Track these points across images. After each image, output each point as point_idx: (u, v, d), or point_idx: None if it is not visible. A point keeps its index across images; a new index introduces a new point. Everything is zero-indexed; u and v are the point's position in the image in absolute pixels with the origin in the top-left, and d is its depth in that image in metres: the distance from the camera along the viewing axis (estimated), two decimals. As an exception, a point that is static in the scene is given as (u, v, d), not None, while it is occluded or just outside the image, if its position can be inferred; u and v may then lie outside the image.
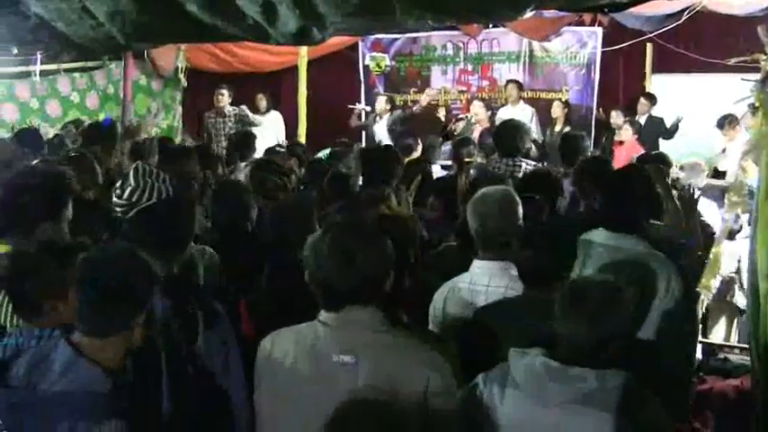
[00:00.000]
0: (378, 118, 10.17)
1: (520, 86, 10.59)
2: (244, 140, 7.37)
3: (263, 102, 11.06)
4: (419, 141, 7.21)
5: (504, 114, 9.68)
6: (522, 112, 9.87)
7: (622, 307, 2.42)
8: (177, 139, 11.80)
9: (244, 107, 10.27)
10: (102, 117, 10.57)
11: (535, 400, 2.38)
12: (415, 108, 10.29)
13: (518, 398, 2.42)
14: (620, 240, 3.28)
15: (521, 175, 5.52)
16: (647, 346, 3.05)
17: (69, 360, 2.18)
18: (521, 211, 3.25)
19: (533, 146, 7.24)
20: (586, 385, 2.30)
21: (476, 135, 8.96)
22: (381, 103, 10.29)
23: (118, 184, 2.72)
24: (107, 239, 3.53)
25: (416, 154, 7.00)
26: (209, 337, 2.64)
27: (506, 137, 5.95)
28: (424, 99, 10.42)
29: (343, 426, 2.14)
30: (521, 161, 5.78)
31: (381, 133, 9.86)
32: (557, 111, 10.18)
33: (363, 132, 10.73)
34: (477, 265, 3.21)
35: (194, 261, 3.26)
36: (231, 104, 10.35)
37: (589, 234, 3.36)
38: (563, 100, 10.60)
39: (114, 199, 2.71)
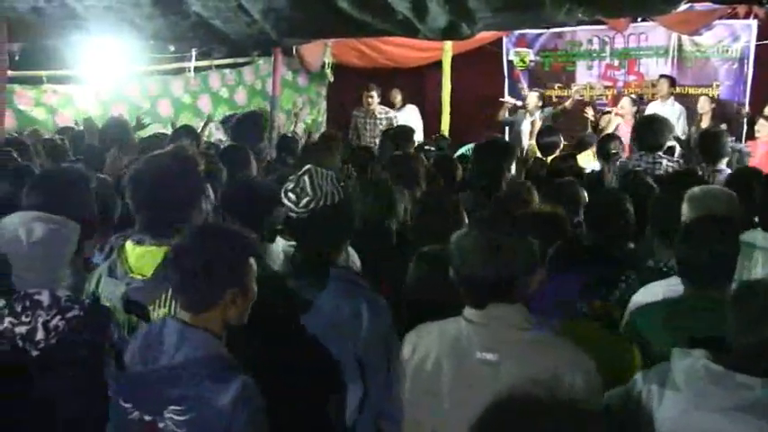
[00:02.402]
0: (527, 114, 10.05)
1: (672, 82, 10.20)
2: (402, 134, 7.32)
3: (398, 96, 11.13)
4: (562, 138, 7.08)
5: (652, 110, 9.38)
6: (671, 109, 9.54)
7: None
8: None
9: (392, 115, 10.31)
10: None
11: (695, 403, 2.29)
12: (567, 103, 10.13)
13: (677, 400, 2.33)
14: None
15: (661, 172, 5.35)
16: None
17: (181, 332, 2.26)
18: None
19: (677, 143, 6.99)
20: (752, 393, 2.20)
21: (621, 131, 8.72)
22: (533, 98, 10.15)
23: (290, 188, 2.76)
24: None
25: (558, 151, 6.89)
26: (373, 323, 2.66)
27: (647, 132, 5.77)
28: (574, 94, 10.24)
29: (492, 425, 2.12)
30: (661, 158, 5.60)
31: (527, 130, 9.75)
32: (704, 106, 9.77)
33: (507, 128, 10.62)
34: None
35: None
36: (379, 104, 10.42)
37: (748, 236, 3.21)
38: (712, 96, 10.19)
39: (288, 203, 2.75)
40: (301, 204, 2.73)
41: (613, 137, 7.02)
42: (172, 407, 2.18)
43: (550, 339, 2.36)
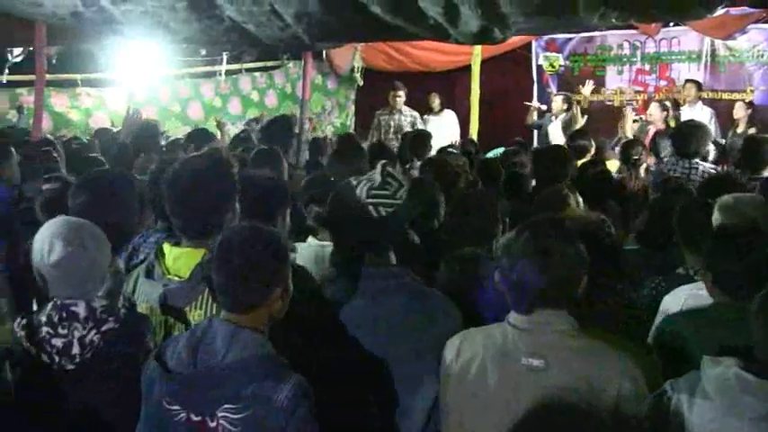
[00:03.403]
0: (553, 117, 10.02)
1: (699, 86, 10.12)
2: (419, 139, 7.40)
3: (436, 101, 11.10)
4: (593, 142, 7.05)
5: (682, 115, 9.32)
6: (700, 113, 9.45)
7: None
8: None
9: (416, 114, 10.32)
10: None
11: (726, 412, 2.28)
12: (583, 103, 10.10)
13: (708, 408, 2.32)
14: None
15: (698, 177, 5.30)
16: None
17: (230, 333, 2.27)
18: None
19: (713, 148, 6.93)
20: (784, 403, 2.19)
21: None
22: (558, 102, 10.11)
23: (377, 184, 2.78)
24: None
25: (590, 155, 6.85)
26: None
27: (685, 138, 5.72)
28: (587, 90, 10.22)
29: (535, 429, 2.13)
30: (698, 164, 5.56)
31: (555, 133, 9.71)
32: (739, 112, 9.66)
33: (536, 132, 10.60)
34: None
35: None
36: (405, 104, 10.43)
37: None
38: (747, 101, 10.08)
39: (382, 200, 2.77)
40: (398, 195, 2.75)
41: (637, 142, 6.95)
42: (226, 405, 2.19)
43: (597, 346, 2.33)
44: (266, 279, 2.33)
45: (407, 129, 9.79)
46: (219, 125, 9.10)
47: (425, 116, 10.79)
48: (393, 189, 2.76)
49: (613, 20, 4.77)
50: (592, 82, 10.57)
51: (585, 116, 9.31)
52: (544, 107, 10.71)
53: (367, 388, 2.62)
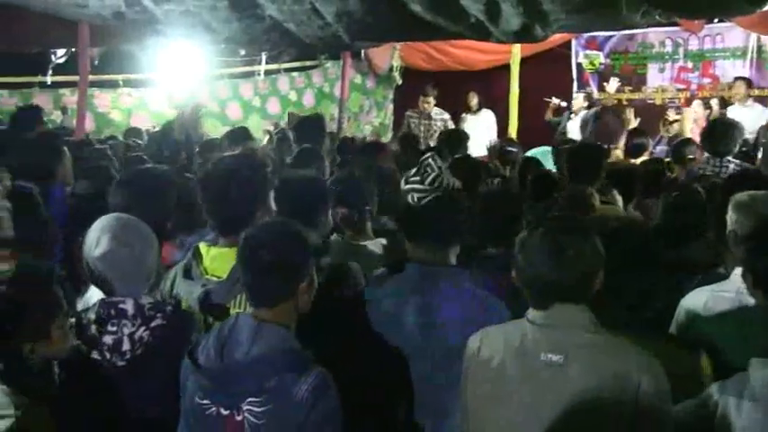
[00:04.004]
0: (572, 115, 9.92)
1: (749, 84, 9.90)
2: (455, 138, 7.35)
3: (474, 100, 11.03)
4: (650, 141, 6.96)
5: (732, 114, 9.12)
6: (751, 111, 9.25)
7: None
8: (388, 136, 12.12)
9: (447, 117, 10.22)
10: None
11: (775, 413, 2.25)
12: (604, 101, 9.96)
13: (756, 410, 2.29)
14: None
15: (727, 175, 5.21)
16: None
17: (255, 327, 2.30)
18: None
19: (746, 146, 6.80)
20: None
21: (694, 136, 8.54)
22: (579, 99, 10.03)
23: (415, 171, 2.80)
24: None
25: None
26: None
27: (716, 136, 5.63)
28: (612, 87, 10.08)
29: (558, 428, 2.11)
30: (729, 161, 5.46)
31: (574, 131, 9.60)
32: (785, 109, 9.51)
33: (556, 129, 10.47)
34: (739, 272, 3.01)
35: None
36: (436, 106, 10.30)
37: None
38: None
39: (413, 185, 2.78)
40: (427, 182, 2.76)
41: (689, 141, 6.86)
42: (250, 399, 2.23)
43: (617, 341, 2.31)
44: (290, 274, 2.35)
45: (437, 134, 9.75)
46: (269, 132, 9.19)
47: (463, 115, 10.75)
48: (425, 176, 2.77)
49: (656, 17, 4.70)
50: (617, 79, 10.44)
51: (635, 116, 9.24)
52: (564, 103, 10.61)
53: (391, 386, 2.63)
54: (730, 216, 3.24)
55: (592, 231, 2.34)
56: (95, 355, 2.63)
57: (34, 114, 6.55)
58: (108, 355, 2.62)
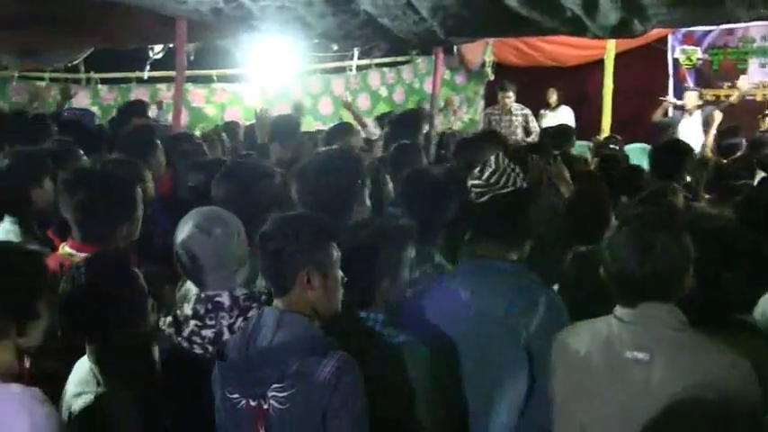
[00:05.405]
0: (687, 114, 9.64)
1: None
2: (563, 133, 7.18)
3: (553, 96, 10.92)
4: (745, 141, 6.74)
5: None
6: None
7: None
8: (478, 133, 12.04)
9: (528, 112, 10.09)
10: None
11: None
12: (732, 98, 9.56)
13: None
14: None
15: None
16: None
17: (278, 317, 2.33)
18: None
19: None
20: None
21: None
22: (693, 98, 9.72)
23: (478, 168, 2.81)
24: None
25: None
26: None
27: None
28: (736, 95, 9.73)
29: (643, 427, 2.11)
30: None
31: (688, 131, 9.32)
32: None
33: (664, 131, 10.19)
34: None
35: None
36: (517, 101, 10.09)
37: None
38: None
39: (473, 181, 2.80)
40: (484, 177, 2.76)
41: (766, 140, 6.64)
42: (274, 385, 2.26)
43: (704, 340, 2.29)
44: (289, 261, 2.36)
45: (519, 130, 9.69)
46: (347, 105, 9.24)
47: (542, 111, 10.65)
48: (484, 174, 2.76)
49: (762, 10, 4.54)
50: (747, 77, 10.08)
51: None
52: (678, 102, 10.34)
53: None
54: None
55: (680, 228, 2.32)
56: (197, 349, 2.69)
57: (136, 109, 6.75)
58: (210, 348, 2.68)
